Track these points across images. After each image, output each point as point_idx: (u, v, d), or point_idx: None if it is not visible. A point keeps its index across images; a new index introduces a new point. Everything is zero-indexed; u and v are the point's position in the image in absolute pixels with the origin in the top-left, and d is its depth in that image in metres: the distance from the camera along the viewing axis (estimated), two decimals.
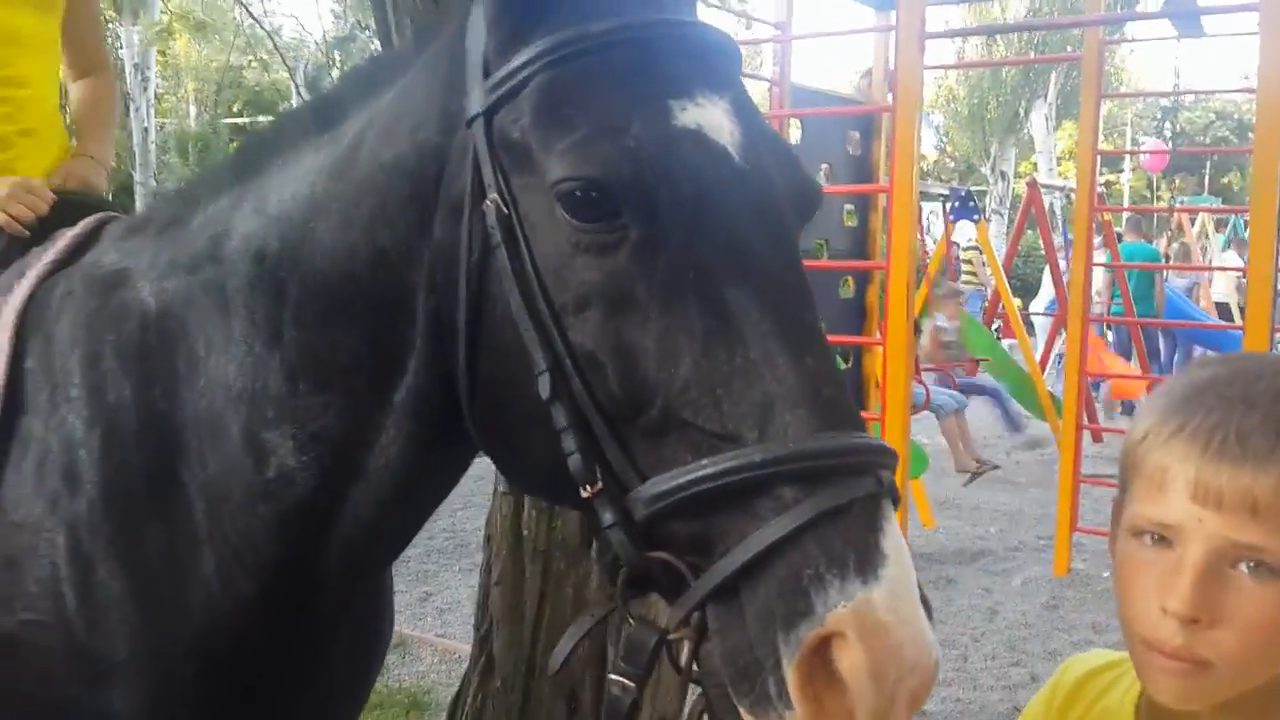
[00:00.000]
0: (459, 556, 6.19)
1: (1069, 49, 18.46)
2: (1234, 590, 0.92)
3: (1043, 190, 10.27)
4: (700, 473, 0.94)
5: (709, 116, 1.04)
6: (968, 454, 7.72)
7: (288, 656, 1.36)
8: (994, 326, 10.05)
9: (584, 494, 1.00)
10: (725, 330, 0.98)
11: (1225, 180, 31.59)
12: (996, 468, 7.90)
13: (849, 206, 6.12)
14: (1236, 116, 32.50)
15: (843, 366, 6.07)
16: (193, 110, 24.77)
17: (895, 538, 0.92)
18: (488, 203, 1.06)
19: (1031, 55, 19.45)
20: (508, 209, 1.06)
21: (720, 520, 0.95)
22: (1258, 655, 0.94)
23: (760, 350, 0.97)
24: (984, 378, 9.18)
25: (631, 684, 1.01)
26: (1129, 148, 23.40)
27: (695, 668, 0.99)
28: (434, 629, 5.18)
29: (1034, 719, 1.17)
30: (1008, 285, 8.83)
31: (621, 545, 0.99)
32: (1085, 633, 5.14)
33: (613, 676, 1.02)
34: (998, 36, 20.59)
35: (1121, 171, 26.90)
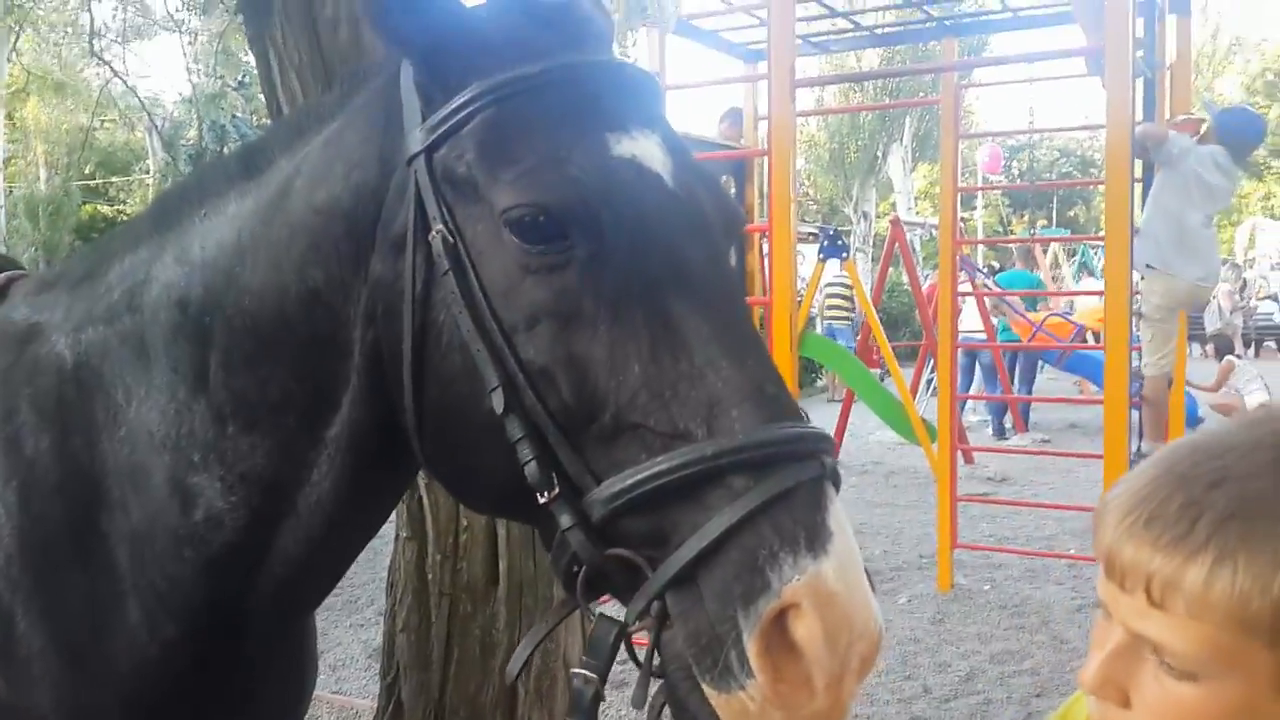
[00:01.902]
0: (349, 612, 6.07)
1: (922, 94, 19.40)
2: (1150, 679, 0.87)
3: (905, 228, 10.73)
4: (656, 468, 1.01)
5: (643, 147, 1.13)
6: None
7: (218, 700, 1.36)
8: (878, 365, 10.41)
9: (541, 500, 1.05)
10: (670, 338, 1.06)
11: (1071, 213, 33.43)
12: None
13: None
14: (1079, 154, 34.52)
15: None
16: (43, 173, 23.84)
17: (840, 516, 1.01)
18: (434, 234, 1.12)
19: (889, 101, 20.32)
20: (454, 238, 1.12)
21: (674, 513, 1.02)
22: None
23: (704, 355, 1.05)
24: None
25: (594, 676, 1.06)
26: (979, 185, 24.67)
27: (656, 658, 1.05)
28: (328, 686, 5.05)
29: None
30: (877, 318, 9.15)
31: (581, 545, 1.05)
32: (972, 643, 5.34)
33: (576, 670, 1.07)
34: (854, 85, 21.50)
35: (974, 209, 28.24)
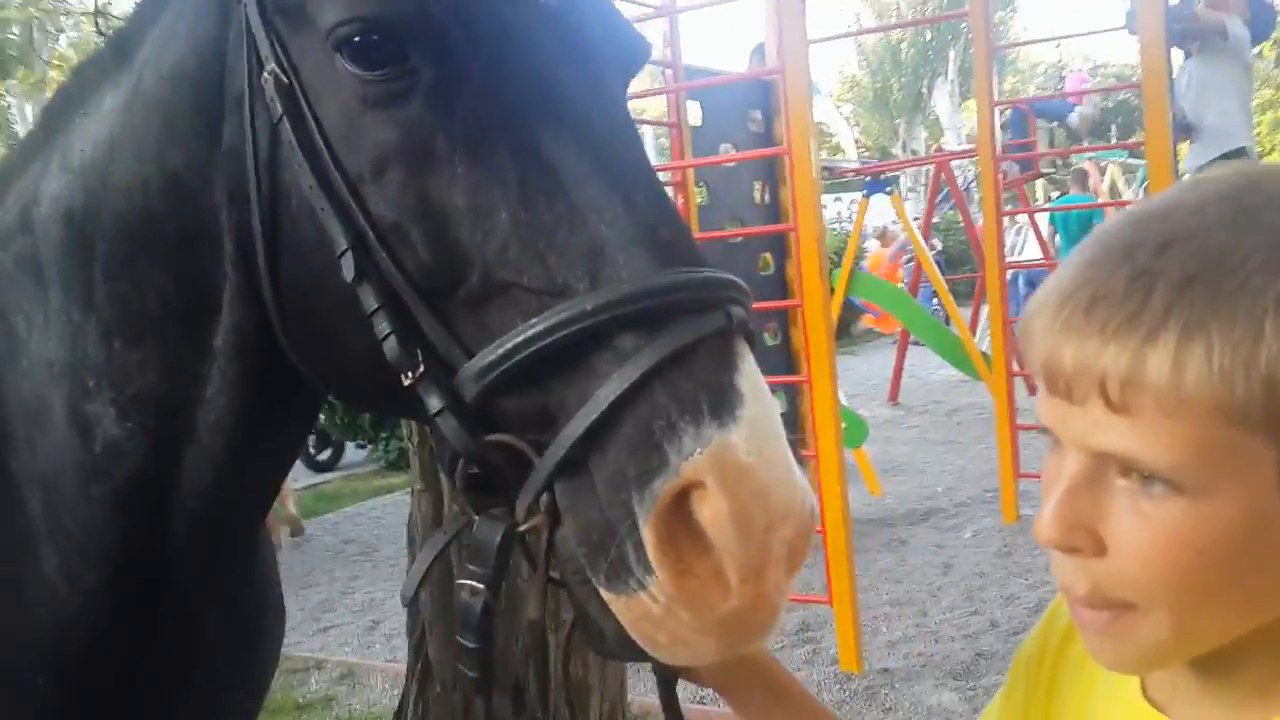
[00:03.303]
0: (396, 578, 6.03)
1: (962, 25, 18.76)
2: (1124, 509, 0.67)
3: (953, 160, 10.37)
4: (530, 332, 0.85)
5: None
6: None
7: (151, 652, 1.24)
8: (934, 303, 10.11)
9: (406, 381, 0.90)
10: (542, 177, 0.89)
11: (1133, 139, 32.31)
12: None
13: (758, 183, 6.09)
14: (1135, 78, 33.36)
15: (771, 342, 6.02)
16: None
17: (752, 376, 0.84)
18: (265, 75, 0.97)
19: (915, 20, 19.48)
20: (288, 77, 0.96)
21: (558, 386, 0.86)
22: (1182, 590, 0.66)
23: (584, 194, 0.89)
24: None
25: (481, 587, 0.91)
26: (1031, 127, 23.77)
27: (553, 562, 0.89)
28: (382, 655, 5.03)
29: (1029, 660, 0.96)
30: (928, 252, 8.88)
31: (454, 433, 0.89)
32: (1040, 574, 5.14)
33: (462, 581, 0.92)
34: (892, 14, 20.91)
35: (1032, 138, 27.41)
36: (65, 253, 1.16)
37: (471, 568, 0.91)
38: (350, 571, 6.61)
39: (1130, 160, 19.43)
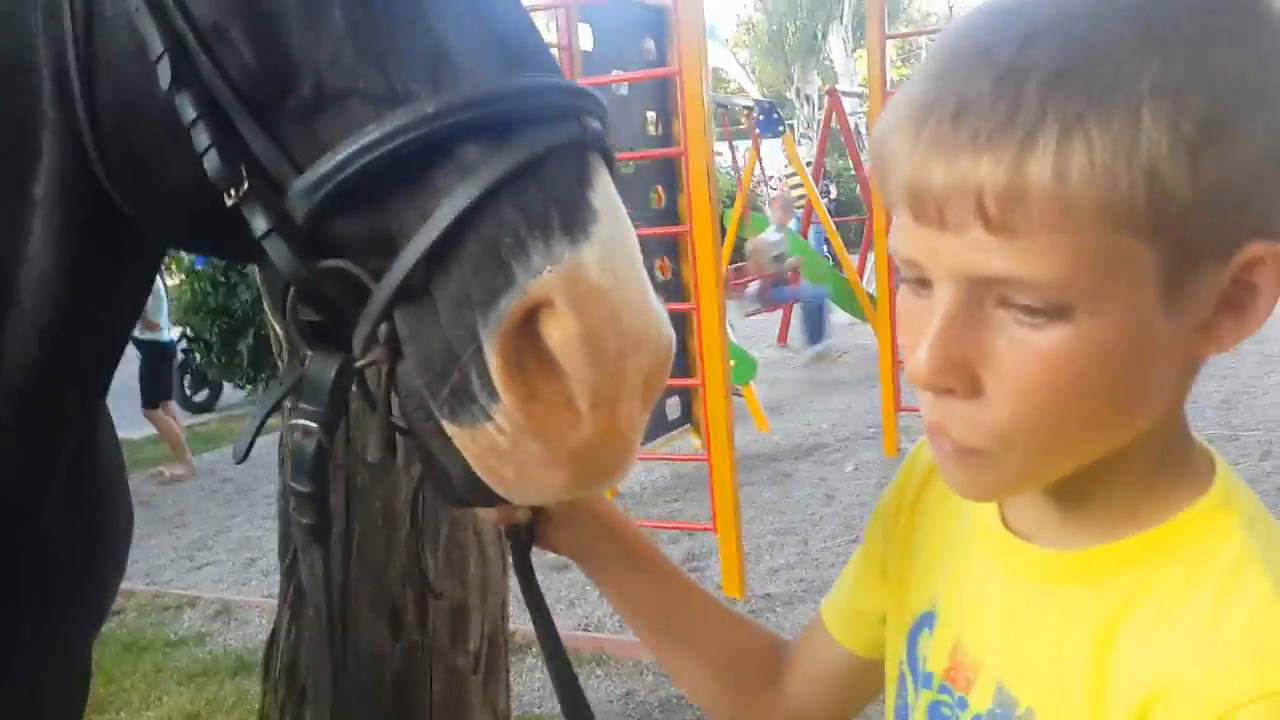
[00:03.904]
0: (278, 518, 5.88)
1: None
2: (1005, 341, 0.62)
3: (845, 98, 10.44)
4: (364, 140, 0.77)
5: None
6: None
7: None
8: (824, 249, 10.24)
9: (230, 200, 0.81)
10: None
11: None
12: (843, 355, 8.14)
13: (651, 113, 6.00)
14: None
15: (662, 279, 5.98)
16: None
17: (608, 194, 0.78)
18: None
19: None
20: None
21: (397, 204, 0.78)
22: (1055, 417, 0.62)
23: None
24: (805, 287, 9.35)
25: (314, 426, 0.83)
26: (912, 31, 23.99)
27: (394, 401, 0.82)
28: (259, 591, 4.90)
29: (886, 513, 0.93)
30: (819, 195, 8.96)
31: (284, 258, 0.81)
32: None
33: (293, 421, 0.84)
34: None
35: None
36: None
37: (304, 406, 0.84)
38: (227, 511, 6.43)
39: None
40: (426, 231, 0.76)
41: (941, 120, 0.60)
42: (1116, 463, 0.66)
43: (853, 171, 15.12)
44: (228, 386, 10.01)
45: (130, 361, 4.77)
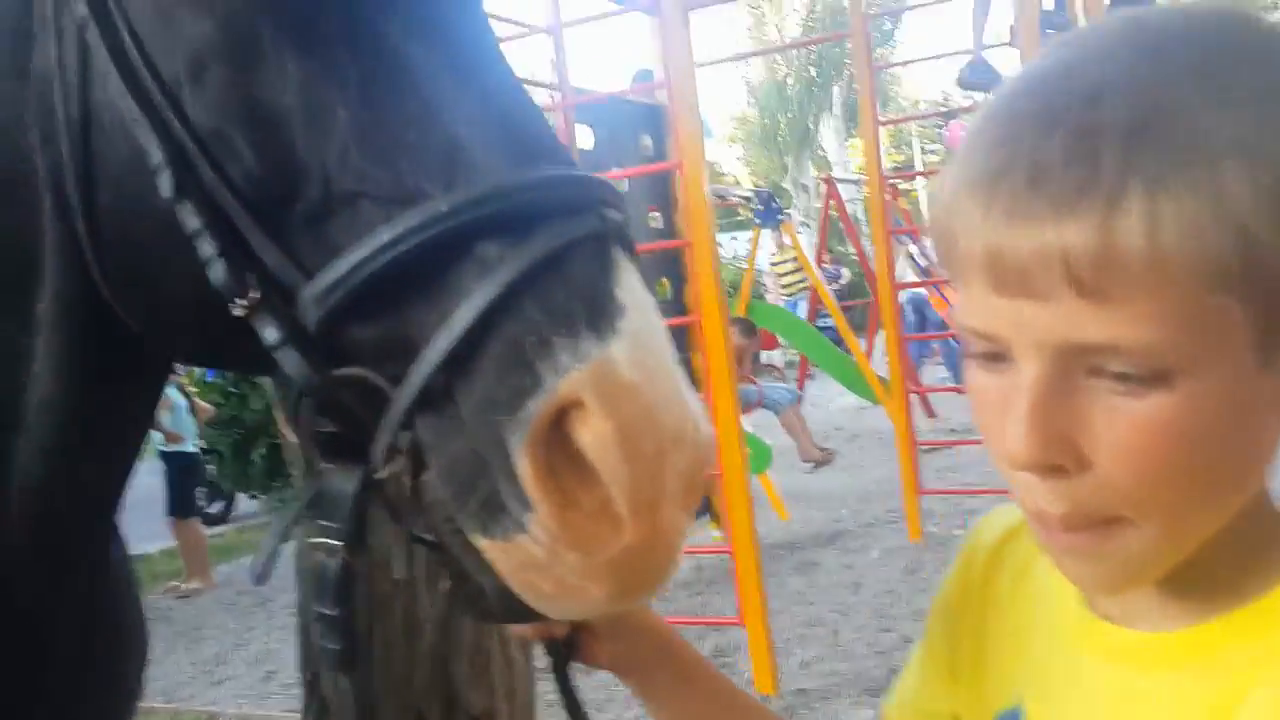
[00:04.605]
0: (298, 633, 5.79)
1: (845, 63, 19.24)
2: (1104, 411, 0.59)
3: (841, 185, 10.58)
4: (377, 242, 0.75)
5: None
6: (810, 445, 7.80)
7: None
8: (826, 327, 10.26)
9: (238, 311, 0.79)
10: (386, 70, 0.79)
11: None
12: (834, 454, 8.02)
13: (651, 208, 6.07)
14: None
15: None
16: None
17: (634, 287, 0.75)
18: None
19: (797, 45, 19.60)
20: None
21: (414, 307, 0.76)
22: (1176, 489, 0.59)
23: (435, 89, 0.78)
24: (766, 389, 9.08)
25: (337, 545, 0.79)
26: (916, 159, 24.35)
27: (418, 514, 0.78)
28: (280, 705, 4.79)
29: (948, 605, 0.89)
30: (821, 278, 9.01)
31: (296, 367, 0.78)
32: None
33: (312, 539, 0.81)
34: (778, 56, 21.39)
35: (913, 181, 28.39)
36: None
37: (325, 524, 0.80)
38: (245, 623, 6.33)
39: None
40: (446, 333, 0.73)
41: (1016, 186, 0.58)
42: (1228, 531, 0.63)
43: (854, 256, 15.27)
44: (242, 497, 9.96)
45: (144, 475, 4.76)
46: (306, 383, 0.78)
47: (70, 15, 0.86)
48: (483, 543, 0.73)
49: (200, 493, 9.59)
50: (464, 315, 0.72)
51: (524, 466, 0.70)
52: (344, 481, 0.79)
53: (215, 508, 9.82)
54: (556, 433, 0.70)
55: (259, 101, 0.80)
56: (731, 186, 14.63)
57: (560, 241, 0.73)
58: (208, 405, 8.24)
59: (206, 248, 0.79)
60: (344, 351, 0.78)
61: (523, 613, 0.76)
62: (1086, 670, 0.71)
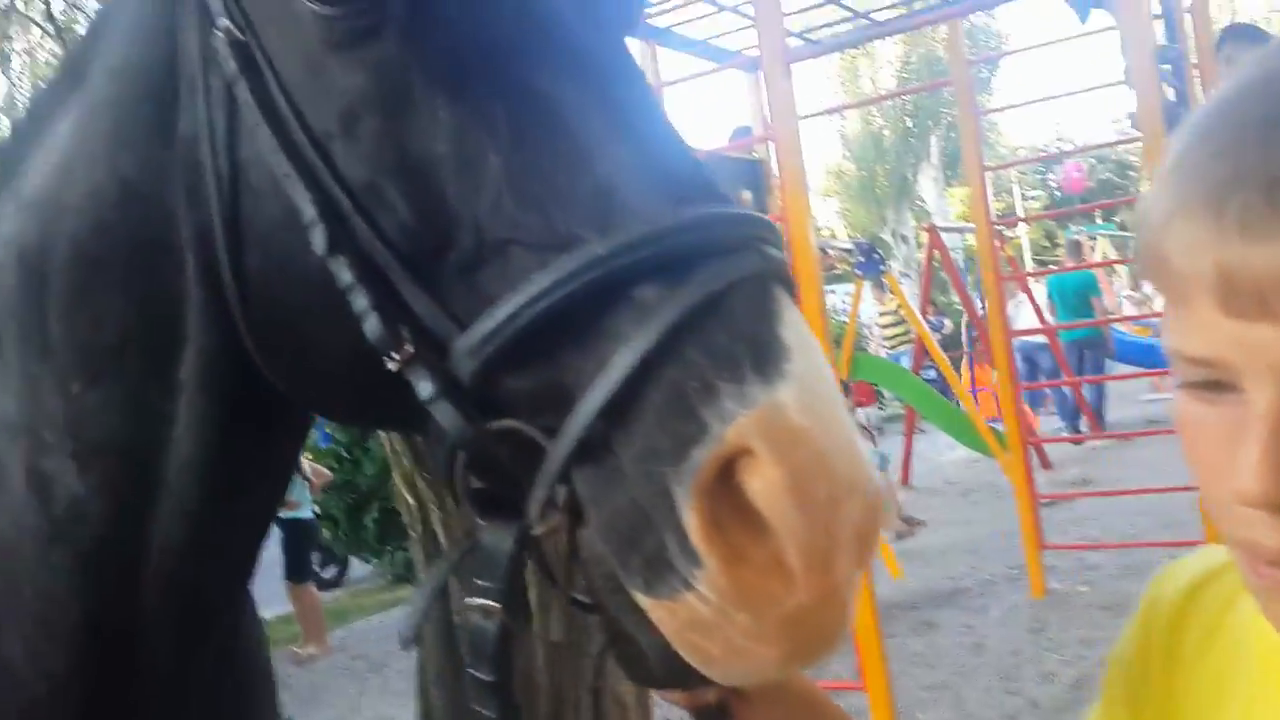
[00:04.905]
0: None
1: (943, 112, 19.09)
2: None
3: (944, 234, 10.41)
4: (533, 291, 0.73)
5: None
6: (893, 514, 7.53)
7: None
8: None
9: (392, 366, 0.78)
10: (536, 115, 0.78)
11: (1117, 220, 32.78)
12: (922, 523, 7.78)
13: None
14: (1114, 158, 33.92)
15: None
16: None
17: (798, 328, 0.71)
18: (217, 33, 0.87)
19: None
20: (241, 31, 0.86)
21: (571, 355, 0.73)
22: None
23: (584, 132, 0.77)
24: None
25: (496, 606, 0.77)
26: (1018, 205, 23.97)
27: (575, 574, 0.76)
28: None
29: (1128, 667, 0.83)
30: (928, 331, 8.83)
31: (451, 420, 0.76)
32: (1076, 649, 4.95)
33: (470, 600, 0.78)
34: (873, 107, 21.33)
35: (1016, 226, 27.89)
36: (20, 299, 1.04)
37: (480, 583, 0.77)
38: (359, 688, 6.38)
39: (1117, 233, 19.61)
40: (604, 381, 0.70)
41: (1250, 200, 0.54)
42: None
43: (956, 306, 14.99)
44: (355, 562, 10.11)
45: None
46: (461, 436, 0.76)
47: (219, 74, 0.88)
48: (646, 602, 0.70)
49: (315, 558, 9.82)
50: (623, 361, 0.70)
51: (691, 519, 0.67)
52: (499, 539, 0.77)
53: (329, 573, 9.98)
54: (723, 484, 0.67)
55: (411, 151, 0.79)
56: (829, 240, 14.51)
57: (721, 283, 0.71)
58: (324, 469, 8.41)
59: (360, 302, 0.79)
60: (498, 403, 0.77)
61: (686, 675, 0.73)
62: None
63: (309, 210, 0.81)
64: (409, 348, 0.77)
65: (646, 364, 0.69)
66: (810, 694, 0.92)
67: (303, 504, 7.53)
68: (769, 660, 0.70)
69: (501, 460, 0.77)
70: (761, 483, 0.66)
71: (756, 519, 0.67)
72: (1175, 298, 0.60)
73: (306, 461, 7.96)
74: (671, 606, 0.69)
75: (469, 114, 0.79)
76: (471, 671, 0.79)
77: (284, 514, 7.29)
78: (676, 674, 0.74)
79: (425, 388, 0.77)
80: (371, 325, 0.78)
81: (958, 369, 10.63)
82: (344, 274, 0.79)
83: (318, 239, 0.80)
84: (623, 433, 0.70)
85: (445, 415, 0.77)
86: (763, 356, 0.68)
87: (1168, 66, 5.08)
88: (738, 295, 0.71)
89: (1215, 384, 0.59)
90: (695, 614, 0.68)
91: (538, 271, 0.73)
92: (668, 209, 0.74)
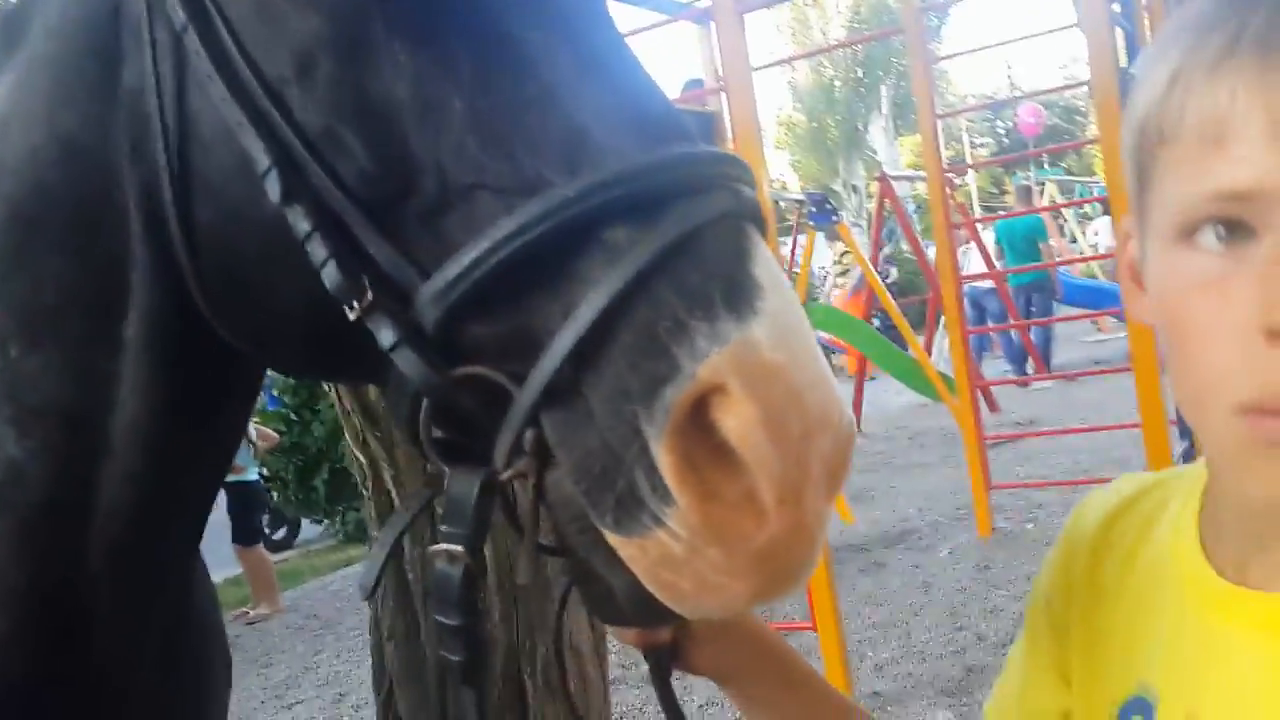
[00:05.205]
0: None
1: (891, 59, 19.06)
2: None
3: (894, 182, 10.45)
4: (499, 234, 0.70)
5: None
6: None
7: (75, 706, 1.06)
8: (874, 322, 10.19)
9: (353, 314, 0.75)
10: (500, 55, 0.75)
11: (1064, 165, 33.15)
12: None
13: None
14: (1061, 104, 34.21)
15: None
16: None
17: (769, 265, 0.70)
18: None
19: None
20: None
21: (539, 300, 0.71)
22: None
23: (553, 72, 0.74)
24: None
25: (460, 550, 0.76)
26: (967, 153, 24.17)
27: (542, 519, 0.74)
28: None
29: (1050, 599, 0.84)
30: (878, 277, 8.88)
31: (414, 368, 0.74)
32: (1023, 585, 5.04)
33: (436, 547, 0.76)
34: (824, 58, 21.29)
35: (965, 175, 28.11)
36: None
37: (446, 529, 0.76)
38: (313, 647, 6.37)
39: (1065, 177, 19.81)
40: (574, 324, 0.68)
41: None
42: None
43: (906, 254, 15.09)
44: (305, 523, 10.07)
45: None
46: (426, 384, 0.74)
47: (166, 24, 0.84)
48: (617, 540, 0.68)
49: (264, 519, 9.77)
50: (592, 303, 0.68)
51: (664, 457, 0.65)
52: (465, 485, 0.75)
53: (279, 534, 9.94)
54: (694, 422, 0.66)
55: (370, 96, 0.77)
56: (781, 191, 14.53)
57: (693, 223, 0.69)
58: (270, 432, 8.33)
59: (319, 251, 0.76)
60: (463, 350, 0.75)
61: (656, 614, 0.72)
62: (1234, 643, 0.66)
63: (263, 159, 0.78)
64: (369, 296, 0.75)
65: (617, 306, 0.68)
66: (760, 632, 0.92)
67: (248, 467, 7.45)
68: (739, 595, 0.69)
69: (466, 408, 0.76)
70: (735, 420, 0.65)
71: (728, 455, 0.66)
72: (1203, 142, 0.61)
73: (252, 425, 7.87)
74: (643, 544, 0.68)
75: (431, 56, 0.76)
76: (438, 618, 0.77)
77: (230, 478, 7.20)
78: (646, 612, 0.73)
79: (387, 335, 0.75)
80: (330, 273, 0.76)
81: (922, 316, 10.74)
82: (301, 223, 0.77)
83: (273, 187, 0.77)
84: (593, 374, 0.69)
85: (408, 363, 0.74)
86: (735, 294, 0.67)
87: (1118, 8, 5.10)
88: (710, 235, 0.69)
89: (1234, 226, 0.61)
90: (667, 550, 0.67)
91: (504, 215, 0.71)
92: (638, 150, 0.72)
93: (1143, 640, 0.73)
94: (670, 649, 0.87)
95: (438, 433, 0.78)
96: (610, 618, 0.77)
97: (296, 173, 0.77)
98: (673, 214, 0.69)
